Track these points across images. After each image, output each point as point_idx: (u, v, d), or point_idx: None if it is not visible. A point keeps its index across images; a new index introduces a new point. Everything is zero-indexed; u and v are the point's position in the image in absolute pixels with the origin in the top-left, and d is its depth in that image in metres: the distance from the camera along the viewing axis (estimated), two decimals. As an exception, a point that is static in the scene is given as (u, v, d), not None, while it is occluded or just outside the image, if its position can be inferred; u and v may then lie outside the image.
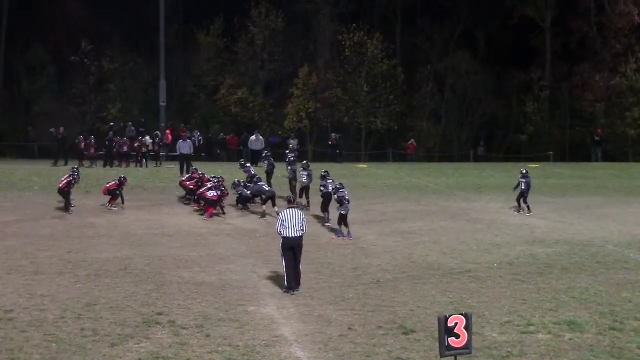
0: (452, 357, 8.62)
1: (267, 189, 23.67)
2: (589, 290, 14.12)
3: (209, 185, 23.82)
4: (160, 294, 13.54)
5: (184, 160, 32.40)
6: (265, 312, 12.57)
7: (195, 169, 27.50)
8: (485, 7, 53.30)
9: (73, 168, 25.41)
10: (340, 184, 21.05)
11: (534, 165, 42.68)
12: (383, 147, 50.29)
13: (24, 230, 20.10)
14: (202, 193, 23.50)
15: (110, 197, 23.88)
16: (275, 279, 14.89)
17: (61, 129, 38.52)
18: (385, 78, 51.27)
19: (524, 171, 25.02)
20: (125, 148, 37.80)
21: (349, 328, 11.62)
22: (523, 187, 24.54)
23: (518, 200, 24.62)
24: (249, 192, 24.42)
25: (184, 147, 33.32)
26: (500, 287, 14.42)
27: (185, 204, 25.11)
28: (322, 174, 23.12)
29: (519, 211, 24.39)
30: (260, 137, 38.76)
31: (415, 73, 52.69)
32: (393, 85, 51.65)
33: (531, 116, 52.86)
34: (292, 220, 14.07)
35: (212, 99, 51.75)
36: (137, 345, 10.63)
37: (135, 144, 37.82)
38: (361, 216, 22.66)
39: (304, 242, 14.36)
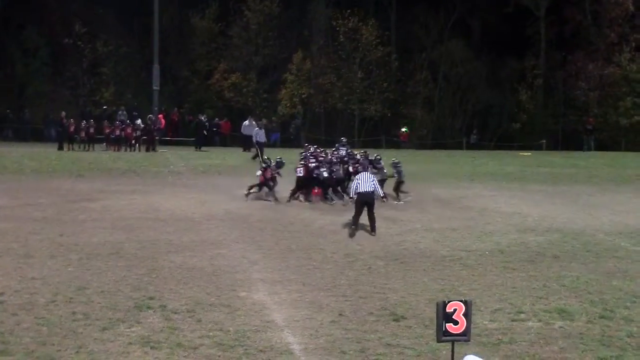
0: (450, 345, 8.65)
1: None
2: (579, 278, 14.15)
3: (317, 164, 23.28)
4: (152, 279, 13.52)
5: (261, 148, 33.46)
6: (257, 297, 12.57)
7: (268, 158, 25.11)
8: (480, -5, 53.29)
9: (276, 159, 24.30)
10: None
11: (526, 154, 42.81)
12: (376, 134, 50.36)
13: (15, 213, 20.03)
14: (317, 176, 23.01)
15: None
16: (267, 264, 14.90)
17: (63, 113, 38.60)
18: (379, 65, 51.30)
19: (396, 160, 24.14)
20: (117, 132, 37.73)
21: (340, 314, 11.63)
22: (402, 177, 23.70)
23: (396, 190, 23.58)
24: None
25: (260, 135, 34.78)
26: (492, 274, 14.45)
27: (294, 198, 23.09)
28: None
29: (399, 201, 23.29)
30: (254, 122, 38.66)
31: (409, 61, 52.68)
32: (387, 72, 51.67)
33: (525, 105, 52.95)
34: (365, 180, 18.36)
35: (206, 83, 51.63)
36: (128, 330, 10.62)
37: (129, 129, 37.74)
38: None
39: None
